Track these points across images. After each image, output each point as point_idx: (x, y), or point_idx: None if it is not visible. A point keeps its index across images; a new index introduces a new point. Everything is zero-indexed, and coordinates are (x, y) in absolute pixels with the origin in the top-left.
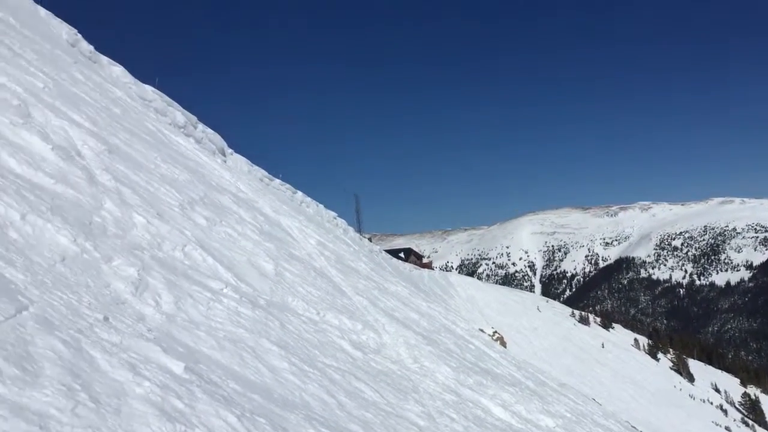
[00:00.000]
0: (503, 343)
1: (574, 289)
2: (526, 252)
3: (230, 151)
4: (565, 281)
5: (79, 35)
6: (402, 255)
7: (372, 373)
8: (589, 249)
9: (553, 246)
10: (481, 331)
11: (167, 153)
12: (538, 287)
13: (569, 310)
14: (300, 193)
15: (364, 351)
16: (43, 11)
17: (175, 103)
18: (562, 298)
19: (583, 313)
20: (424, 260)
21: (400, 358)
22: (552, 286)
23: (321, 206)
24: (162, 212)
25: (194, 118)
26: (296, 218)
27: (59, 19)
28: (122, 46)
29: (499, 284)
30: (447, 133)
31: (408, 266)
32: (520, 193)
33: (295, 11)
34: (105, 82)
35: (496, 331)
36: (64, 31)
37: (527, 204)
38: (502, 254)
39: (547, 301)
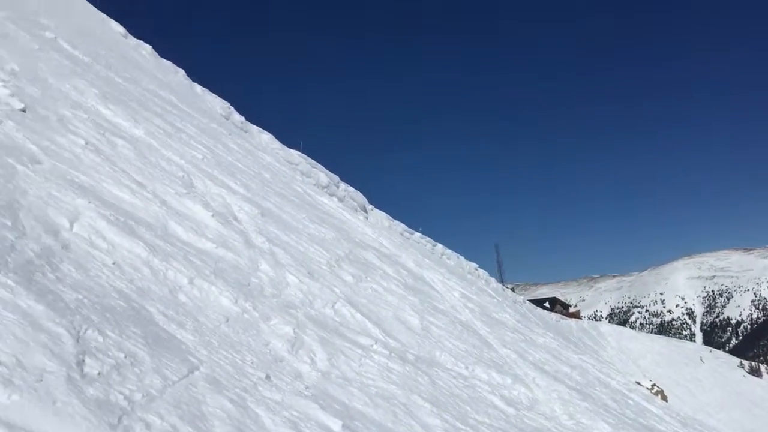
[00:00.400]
0: (664, 397)
1: (740, 338)
2: (683, 298)
3: (371, 207)
4: (729, 329)
5: (232, 108)
6: (547, 305)
7: (526, 430)
8: (755, 293)
9: (713, 291)
10: (639, 384)
11: (314, 213)
12: (698, 336)
13: (737, 360)
14: (440, 246)
15: (517, 407)
16: (199, 88)
17: (319, 165)
18: (727, 348)
19: (753, 363)
20: (571, 309)
21: (555, 415)
22: (715, 334)
23: (461, 258)
24: (312, 271)
25: (336, 178)
26: (438, 271)
27: (214, 95)
28: (269, 112)
29: (655, 333)
30: (590, 180)
31: (554, 316)
32: (671, 235)
33: (433, 64)
34: (256, 150)
35: (654, 384)
36: (218, 105)
37: (680, 247)
38: (655, 301)
39: (711, 351)
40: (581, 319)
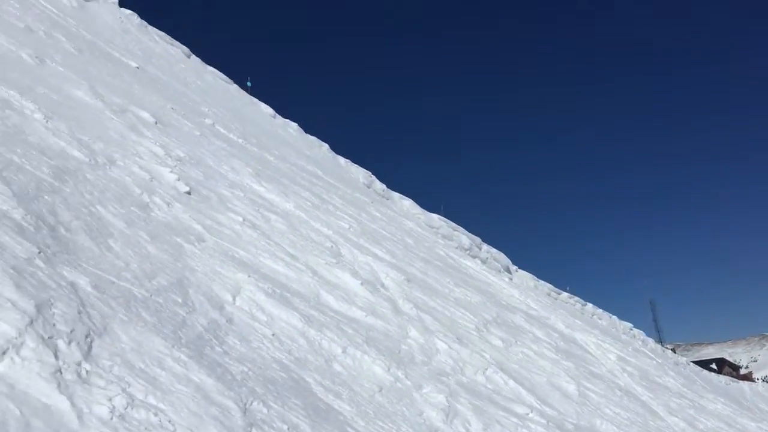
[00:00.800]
0: None
1: None
2: None
3: (515, 267)
4: None
5: (373, 176)
6: (714, 366)
7: None
8: None
9: None
10: None
11: (458, 276)
12: None
13: None
14: (590, 305)
15: None
16: (342, 160)
17: (460, 228)
18: None
19: None
20: (742, 371)
21: None
22: None
23: (614, 317)
24: (460, 336)
25: (478, 240)
26: (590, 332)
27: (356, 165)
28: (408, 176)
29: None
30: (755, 229)
31: (723, 379)
32: None
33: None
34: (398, 216)
35: None
36: (361, 174)
37: None
38: None
39: None
40: (754, 381)
